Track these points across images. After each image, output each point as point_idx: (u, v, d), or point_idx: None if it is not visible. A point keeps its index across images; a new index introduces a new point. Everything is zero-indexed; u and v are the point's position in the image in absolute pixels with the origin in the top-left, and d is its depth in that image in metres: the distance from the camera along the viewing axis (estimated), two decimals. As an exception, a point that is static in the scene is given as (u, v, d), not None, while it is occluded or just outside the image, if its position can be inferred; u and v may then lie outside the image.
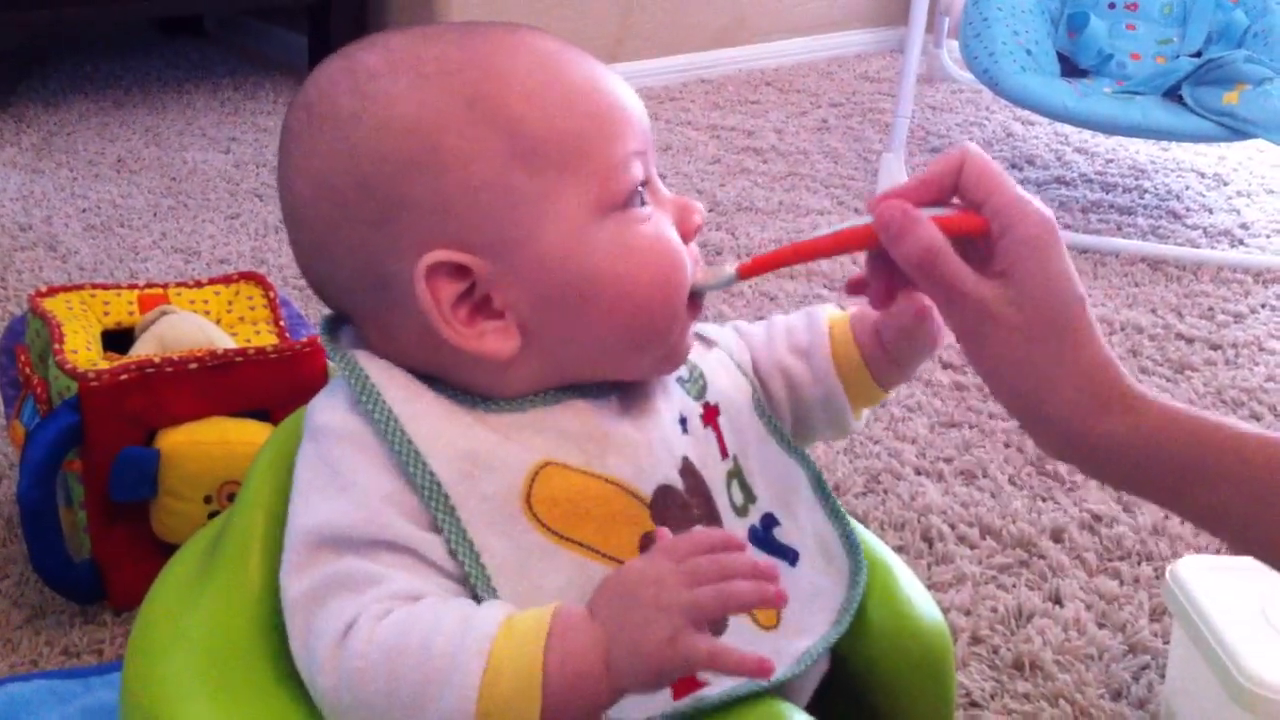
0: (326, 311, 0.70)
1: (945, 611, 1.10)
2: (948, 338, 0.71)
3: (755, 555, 0.70)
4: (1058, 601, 1.14)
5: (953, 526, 1.24)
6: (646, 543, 0.65)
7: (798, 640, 0.71)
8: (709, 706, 0.65)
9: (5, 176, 2.02)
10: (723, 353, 0.77)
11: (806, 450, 0.77)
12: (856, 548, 0.75)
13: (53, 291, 1.17)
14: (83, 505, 1.06)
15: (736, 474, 0.73)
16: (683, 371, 0.73)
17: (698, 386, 0.73)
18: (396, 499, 0.62)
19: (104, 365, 1.05)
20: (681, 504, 0.68)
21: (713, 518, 0.70)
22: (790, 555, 0.73)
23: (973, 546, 1.21)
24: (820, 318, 0.79)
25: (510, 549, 0.63)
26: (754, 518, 0.73)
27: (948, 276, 0.63)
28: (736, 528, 0.71)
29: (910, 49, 2.08)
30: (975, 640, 1.09)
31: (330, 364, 1.10)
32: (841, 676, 0.76)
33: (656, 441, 0.68)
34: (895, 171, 2.07)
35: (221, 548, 0.73)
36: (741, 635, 0.68)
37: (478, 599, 0.62)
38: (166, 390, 1.05)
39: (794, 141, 2.39)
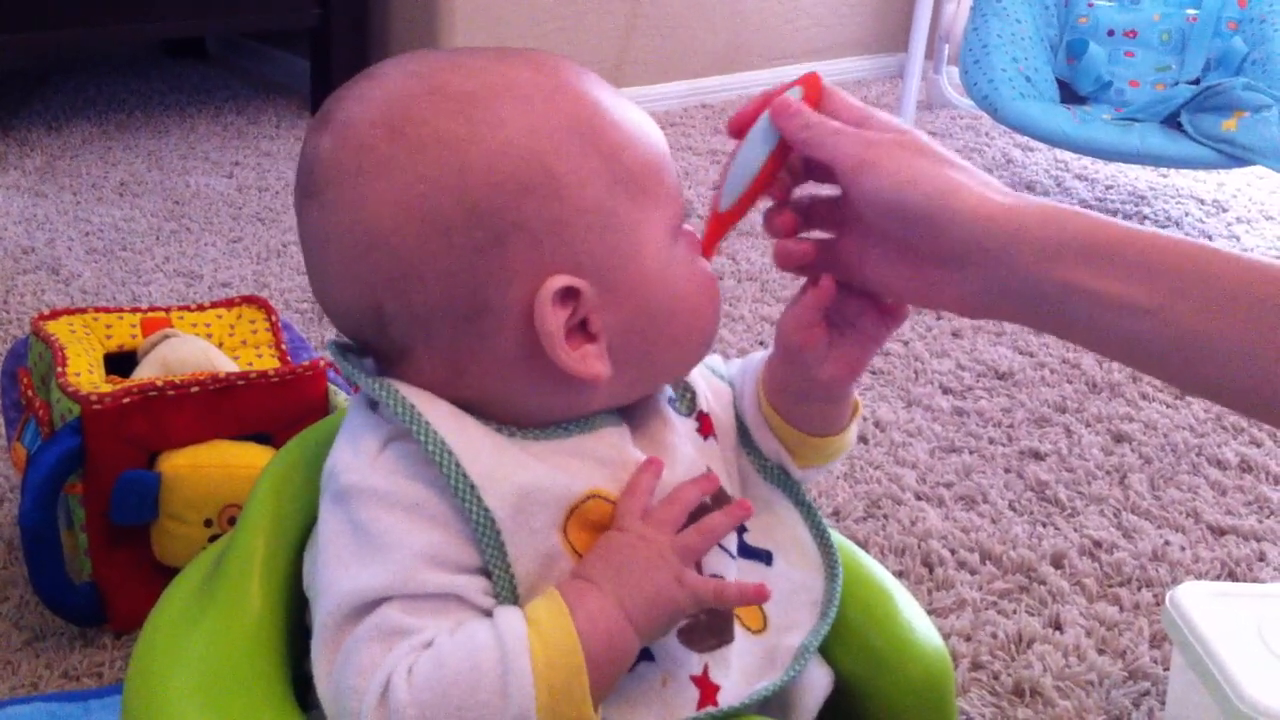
0: (331, 336, 0.69)
1: (946, 637, 1.10)
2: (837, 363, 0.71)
3: (743, 574, 0.71)
4: (1058, 627, 1.14)
5: (953, 552, 1.24)
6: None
7: (788, 637, 0.71)
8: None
9: (8, 200, 2.03)
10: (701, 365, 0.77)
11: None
12: (828, 540, 0.75)
13: (55, 315, 1.18)
14: (84, 528, 1.06)
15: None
16: (670, 390, 0.73)
17: (686, 401, 0.74)
18: (434, 550, 0.61)
19: (106, 388, 1.05)
20: (708, 513, 0.68)
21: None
22: (764, 557, 0.74)
23: (973, 572, 1.21)
24: (752, 359, 0.78)
25: (543, 577, 0.63)
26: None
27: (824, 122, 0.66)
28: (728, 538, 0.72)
29: (909, 75, 2.09)
30: (976, 666, 1.08)
31: (332, 390, 1.10)
32: (843, 701, 0.76)
33: (678, 459, 0.69)
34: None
35: (222, 571, 0.73)
36: (735, 642, 0.69)
37: None
38: (168, 413, 1.05)
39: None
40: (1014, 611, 1.15)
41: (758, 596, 0.65)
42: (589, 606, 0.60)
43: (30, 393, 1.12)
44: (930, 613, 1.15)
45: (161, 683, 0.68)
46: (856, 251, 0.68)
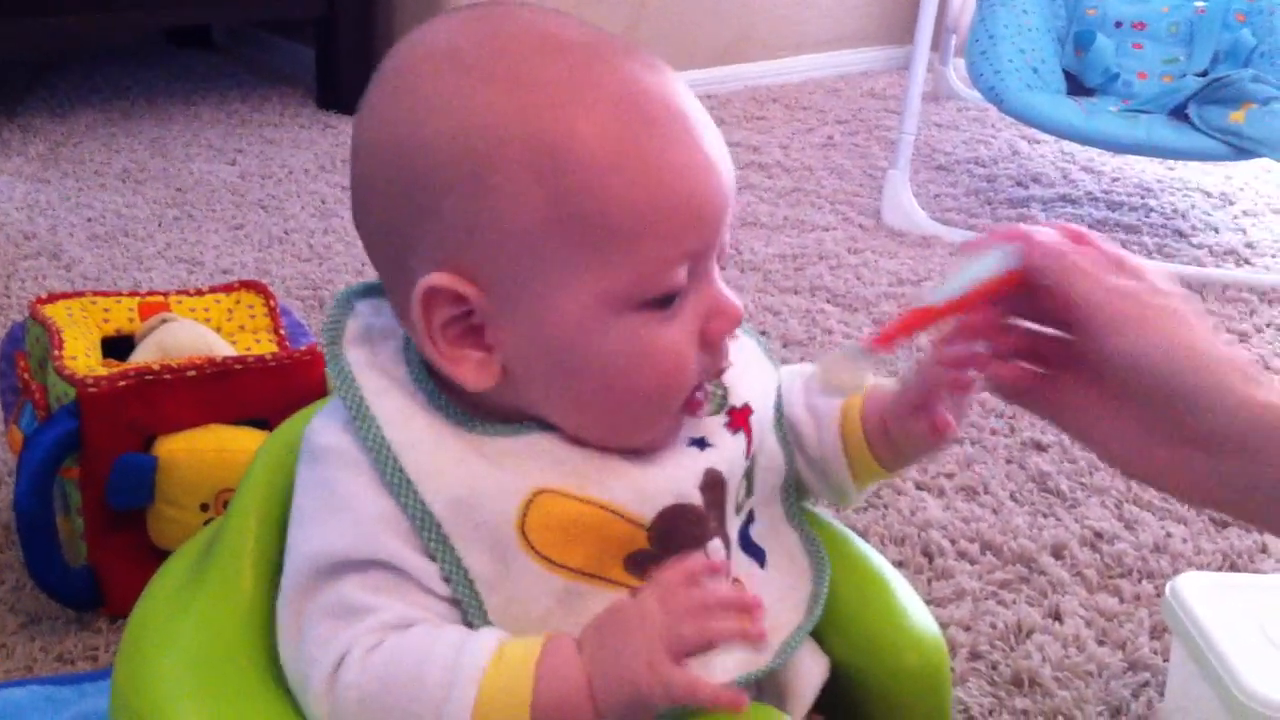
0: (326, 319, 0.68)
1: (944, 627, 1.10)
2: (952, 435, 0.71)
3: (739, 568, 0.70)
4: (1058, 618, 1.13)
5: (953, 542, 1.23)
6: (632, 563, 0.65)
7: (775, 635, 0.71)
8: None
9: (11, 186, 2.03)
10: (749, 341, 0.74)
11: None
12: (816, 546, 0.75)
13: (53, 298, 1.17)
14: (80, 512, 1.06)
15: (749, 471, 0.72)
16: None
17: (715, 403, 0.70)
18: (391, 520, 0.62)
19: (102, 371, 1.04)
20: (695, 519, 0.66)
21: (726, 528, 0.70)
22: (759, 556, 0.73)
23: (973, 562, 1.20)
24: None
25: (503, 575, 0.63)
26: (744, 515, 0.72)
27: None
28: (732, 528, 0.70)
29: (915, 66, 2.08)
30: (974, 656, 1.08)
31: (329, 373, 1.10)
32: (839, 688, 0.75)
33: (659, 463, 0.66)
34: (900, 188, 2.06)
35: (214, 554, 0.73)
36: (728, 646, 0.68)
37: (469, 623, 0.62)
38: (165, 397, 1.05)
39: (799, 158, 2.39)
40: (1013, 602, 1.15)
41: (733, 705, 0.58)
42: (558, 663, 0.58)
43: (27, 376, 1.11)
44: (929, 602, 1.14)
45: (151, 663, 0.68)
46: (1078, 399, 0.65)
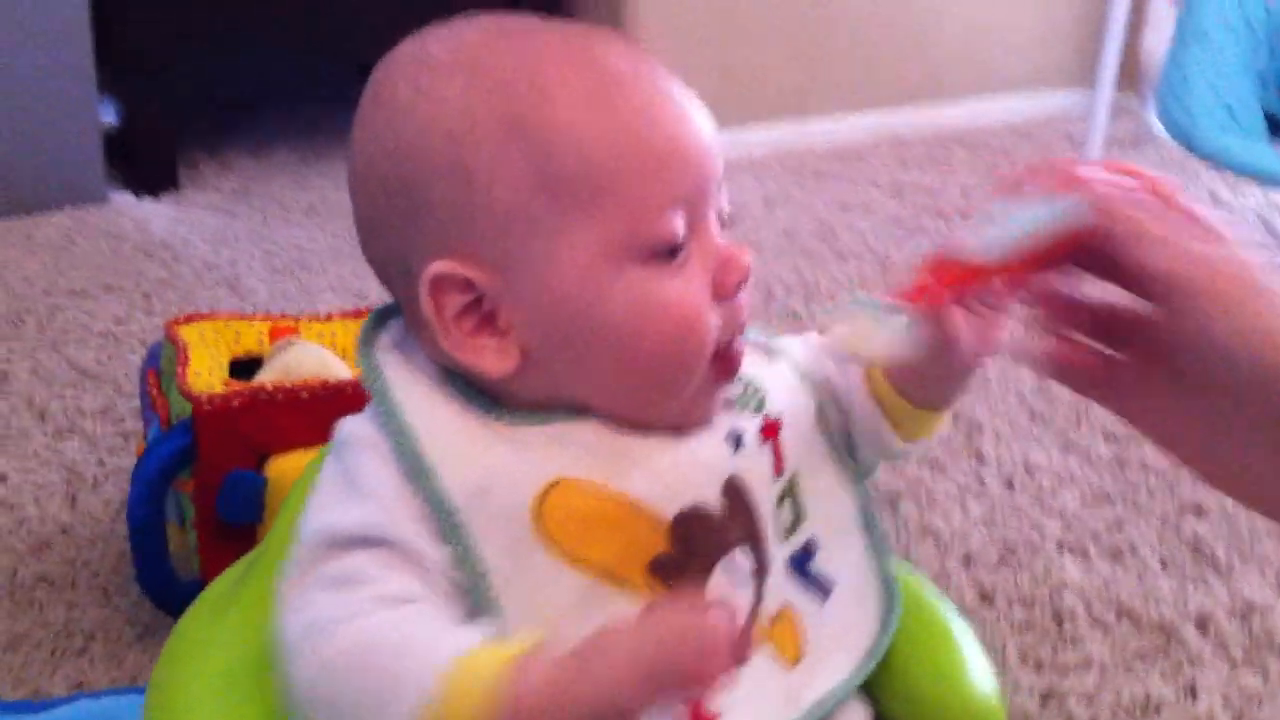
0: (362, 326, 0.69)
1: (1064, 698, 1.03)
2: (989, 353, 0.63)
3: (791, 596, 0.67)
4: (1192, 694, 1.04)
5: (1088, 606, 1.15)
6: (656, 569, 0.63)
7: (818, 679, 0.67)
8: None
9: (202, 218, 2.13)
10: (786, 365, 0.72)
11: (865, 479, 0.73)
12: (892, 589, 0.71)
13: (189, 319, 1.22)
14: (194, 525, 1.09)
15: (790, 493, 0.69)
16: (734, 389, 0.70)
17: (755, 400, 0.68)
18: (410, 504, 0.61)
19: (220, 390, 1.07)
20: (716, 526, 0.64)
21: (755, 540, 0.66)
22: (825, 588, 0.69)
23: (1106, 630, 1.13)
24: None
25: (516, 568, 0.61)
26: (797, 542, 0.69)
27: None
28: (777, 553, 0.67)
29: (1097, 107, 1.99)
30: (1093, 729, 1.01)
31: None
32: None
33: (691, 459, 0.64)
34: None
35: (256, 566, 0.73)
36: (760, 669, 0.65)
37: (480, 612, 0.61)
38: (278, 417, 1.07)
39: (980, 204, 2.31)
40: (1145, 674, 1.07)
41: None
42: (522, 687, 0.54)
43: (155, 392, 1.16)
44: (1051, 669, 1.07)
45: (183, 669, 0.69)
46: (1153, 389, 0.56)
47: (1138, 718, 1.02)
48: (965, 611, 0.76)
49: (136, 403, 1.46)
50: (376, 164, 0.63)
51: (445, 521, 0.61)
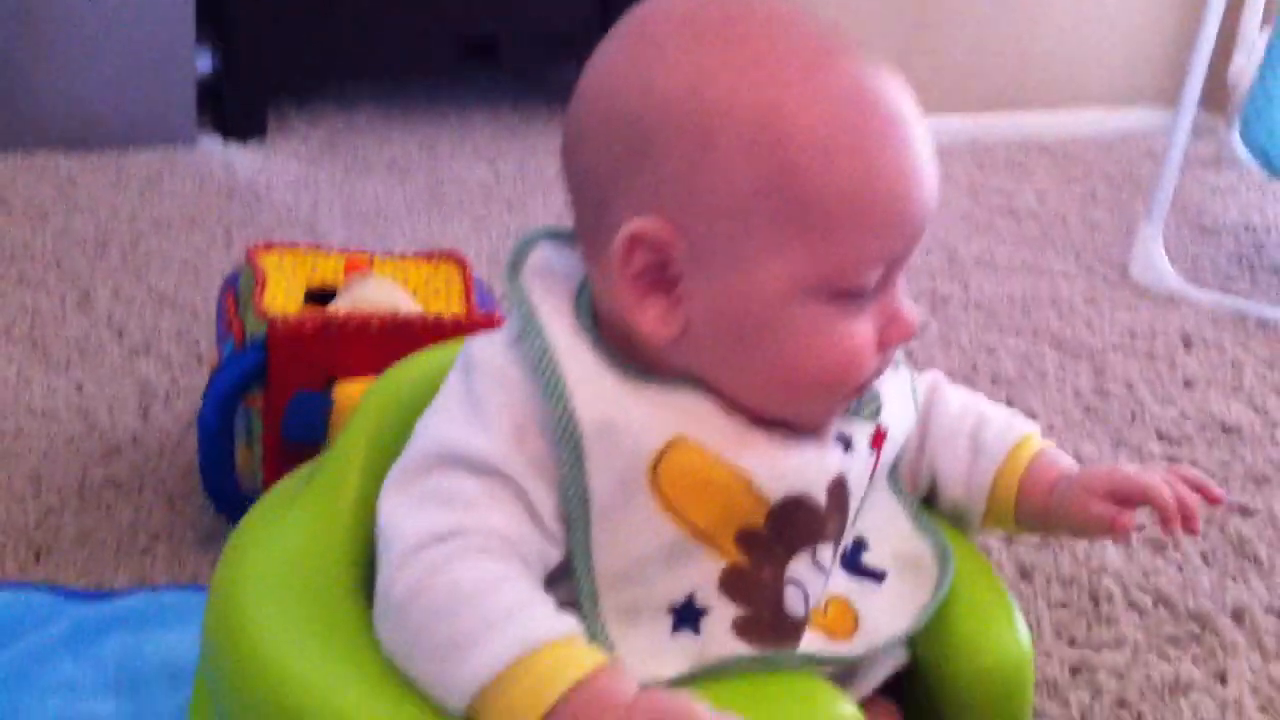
0: (513, 248, 0.71)
1: (1094, 671, 1.05)
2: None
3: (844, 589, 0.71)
4: (1222, 680, 1.05)
5: (1125, 591, 1.16)
6: (743, 539, 0.65)
7: (870, 637, 0.70)
8: (740, 668, 0.64)
9: (285, 165, 2.18)
10: (904, 379, 0.76)
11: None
12: (948, 556, 0.73)
13: (269, 247, 1.26)
14: (260, 441, 1.13)
15: (866, 494, 0.72)
16: None
17: (872, 407, 0.71)
18: (525, 437, 0.64)
19: (294, 313, 1.11)
20: (815, 519, 0.67)
21: (840, 538, 0.70)
22: (879, 576, 0.72)
23: (1143, 614, 1.14)
24: (1015, 434, 0.78)
25: (618, 504, 0.64)
26: (848, 540, 0.72)
27: None
28: (846, 541, 0.72)
29: (1179, 128, 1.99)
30: (1120, 704, 1.02)
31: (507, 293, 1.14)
32: (915, 681, 0.73)
33: (800, 451, 0.67)
34: (1150, 243, 1.97)
35: (322, 466, 0.76)
36: (810, 644, 0.68)
37: (571, 545, 0.64)
38: (346, 344, 1.11)
39: (1055, 207, 2.31)
40: (1177, 658, 1.07)
41: None
42: (609, 685, 0.57)
43: (232, 314, 1.20)
44: (1084, 645, 1.09)
45: (244, 563, 0.71)
46: None
47: (1165, 697, 1.02)
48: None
49: (211, 329, 1.51)
50: (622, 96, 0.64)
51: (568, 446, 0.63)
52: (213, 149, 2.21)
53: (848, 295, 0.63)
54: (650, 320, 0.64)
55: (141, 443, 1.27)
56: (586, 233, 0.67)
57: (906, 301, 0.67)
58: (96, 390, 1.36)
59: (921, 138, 0.64)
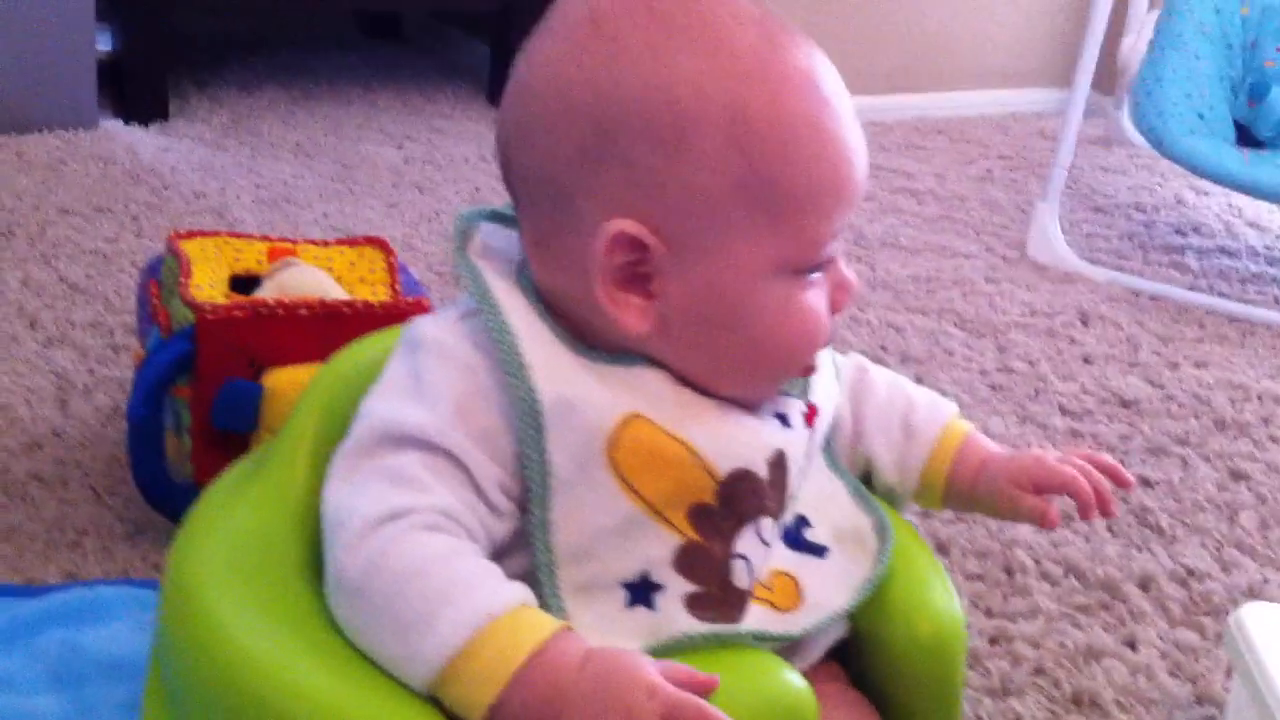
0: (455, 227, 0.71)
1: (1011, 641, 1.09)
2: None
3: (788, 565, 0.73)
4: (1132, 646, 1.11)
5: (1037, 562, 1.21)
6: (694, 514, 0.68)
7: (814, 613, 0.72)
8: (693, 646, 0.66)
9: (191, 149, 2.15)
10: (826, 358, 0.79)
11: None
12: (887, 531, 0.76)
13: (191, 235, 1.25)
14: (189, 431, 1.13)
15: (803, 471, 0.75)
16: None
17: (801, 385, 0.74)
18: (472, 413, 0.65)
19: (222, 301, 1.11)
20: (757, 492, 0.70)
21: (781, 512, 0.73)
22: (820, 551, 0.75)
23: (1054, 584, 1.19)
24: (941, 418, 0.82)
25: (577, 479, 0.66)
26: (789, 516, 0.75)
27: None
28: (787, 517, 0.74)
29: (1073, 109, 2.05)
30: (1037, 671, 1.06)
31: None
32: (852, 650, 0.76)
33: (743, 426, 0.70)
34: (1047, 222, 2.04)
35: (272, 452, 0.77)
36: (758, 618, 0.70)
37: (529, 517, 0.65)
38: (276, 332, 1.11)
39: (953, 187, 2.37)
40: (1089, 626, 1.13)
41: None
42: (544, 674, 0.59)
43: (156, 302, 1.19)
44: (1000, 615, 1.13)
45: (196, 546, 0.72)
46: None
47: (1080, 664, 1.07)
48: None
49: (126, 318, 1.49)
50: (579, 94, 0.64)
51: (528, 421, 0.64)
52: (115, 131, 2.17)
53: (807, 269, 0.67)
54: (630, 317, 0.66)
55: (63, 435, 1.25)
56: (540, 222, 0.68)
57: (848, 270, 0.71)
58: (12, 383, 1.34)
59: (852, 113, 0.69)
